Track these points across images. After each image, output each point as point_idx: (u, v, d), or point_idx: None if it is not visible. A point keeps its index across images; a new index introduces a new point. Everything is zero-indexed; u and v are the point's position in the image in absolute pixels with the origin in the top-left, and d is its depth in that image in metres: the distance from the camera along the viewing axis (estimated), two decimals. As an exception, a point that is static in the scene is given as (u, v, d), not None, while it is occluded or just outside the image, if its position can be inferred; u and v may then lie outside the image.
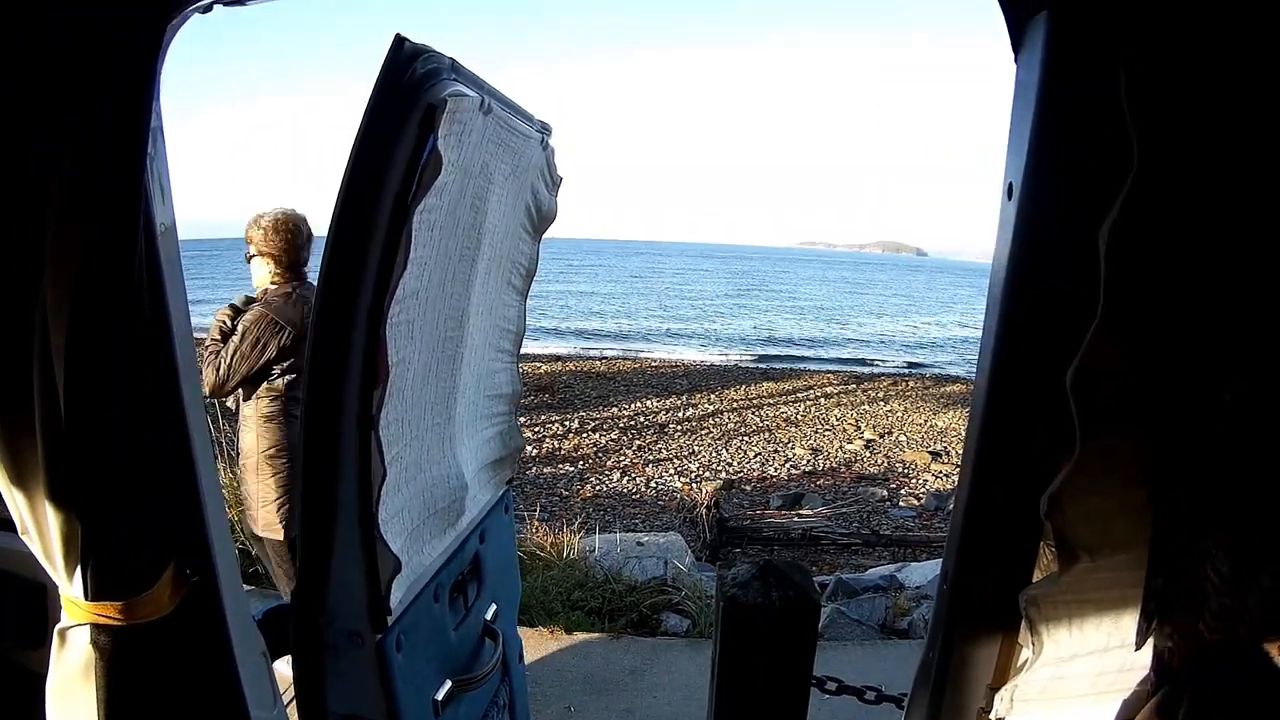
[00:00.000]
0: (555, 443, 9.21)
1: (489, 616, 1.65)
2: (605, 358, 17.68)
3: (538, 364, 15.23)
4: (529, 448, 8.97)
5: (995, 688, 1.11)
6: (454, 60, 1.14)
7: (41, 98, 0.90)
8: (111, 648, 1.05)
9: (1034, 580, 1.06)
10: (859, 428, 10.27)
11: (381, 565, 1.16)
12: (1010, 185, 0.96)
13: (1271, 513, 0.85)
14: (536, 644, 3.36)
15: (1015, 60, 0.97)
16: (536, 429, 9.78)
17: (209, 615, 1.14)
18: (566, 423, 10.13)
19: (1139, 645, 0.95)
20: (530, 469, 8.22)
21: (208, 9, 1.06)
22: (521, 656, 1.95)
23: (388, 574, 1.17)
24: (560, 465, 8.42)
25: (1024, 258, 0.96)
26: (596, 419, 10.48)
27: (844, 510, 7.26)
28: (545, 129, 1.60)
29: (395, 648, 1.23)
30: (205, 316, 3.11)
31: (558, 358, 17.04)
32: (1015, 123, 0.95)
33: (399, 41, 1.06)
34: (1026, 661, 1.05)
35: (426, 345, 1.27)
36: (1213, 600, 0.87)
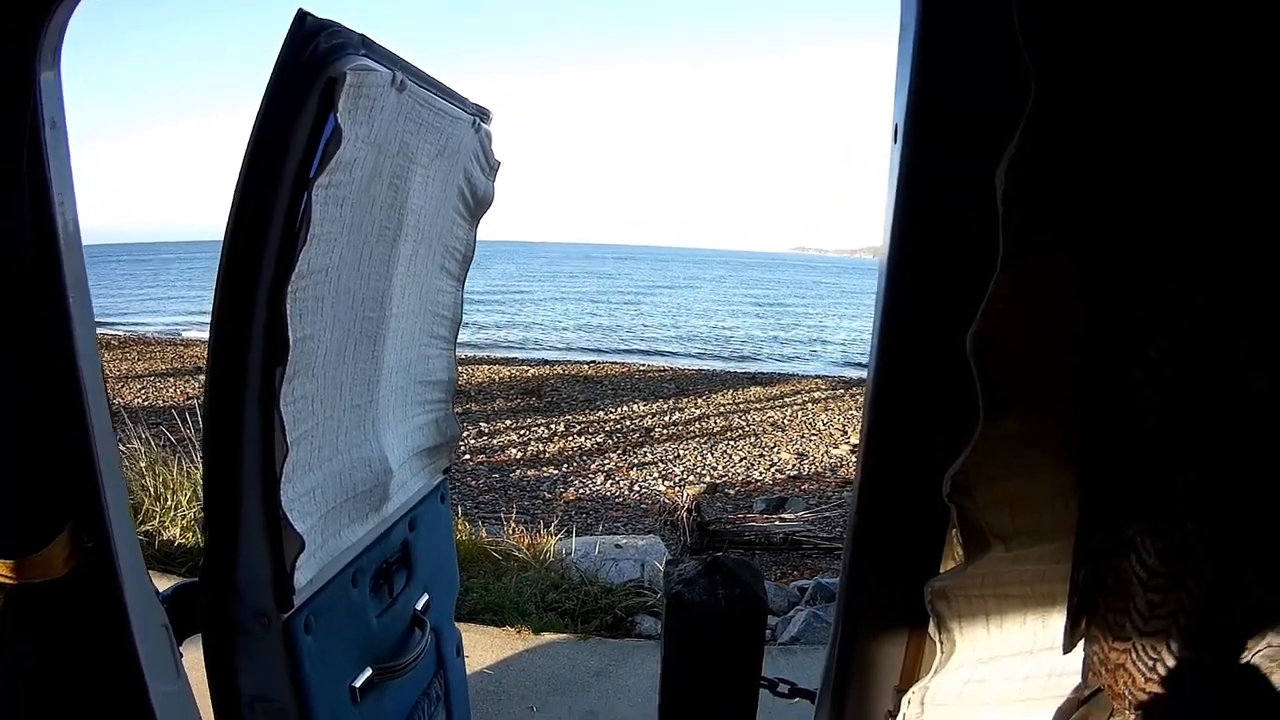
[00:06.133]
0: (540, 446, 9.14)
1: (419, 606, 1.62)
2: (594, 362, 17.59)
3: (525, 367, 15.16)
4: (513, 450, 8.91)
5: (902, 690, 1.00)
6: (364, 36, 1.13)
7: None
8: (3, 605, 1.08)
9: (941, 571, 0.94)
10: (845, 432, 10.22)
11: (286, 545, 1.14)
12: (895, 127, 0.86)
13: (1206, 496, 0.71)
14: (503, 644, 3.31)
15: None
16: (522, 432, 9.72)
17: (105, 583, 1.14)
18: (552, 426, 10.06)
19: (1067, 648, 0.83)
20: (514, 471, 8.16)
21: None
22: (460, 650, 1.91)
23: (292, 554, 1.15)
24: (544, 468, 8.35)
25: (913, 206, 0.86)
26: (583, 422, 10.42)
27: (827, 514, 7.21)
28: (481, 112, 1.60)
29: (304, 629, 1.21)
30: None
31: (546, 361, 16.95)
32: (900, 59, 0.86)
33: (301, 16, 1.04)
34: (937, 662, 0.94)
35: (340, 323, 1.25)
36: (1139, 597, 0.76)
